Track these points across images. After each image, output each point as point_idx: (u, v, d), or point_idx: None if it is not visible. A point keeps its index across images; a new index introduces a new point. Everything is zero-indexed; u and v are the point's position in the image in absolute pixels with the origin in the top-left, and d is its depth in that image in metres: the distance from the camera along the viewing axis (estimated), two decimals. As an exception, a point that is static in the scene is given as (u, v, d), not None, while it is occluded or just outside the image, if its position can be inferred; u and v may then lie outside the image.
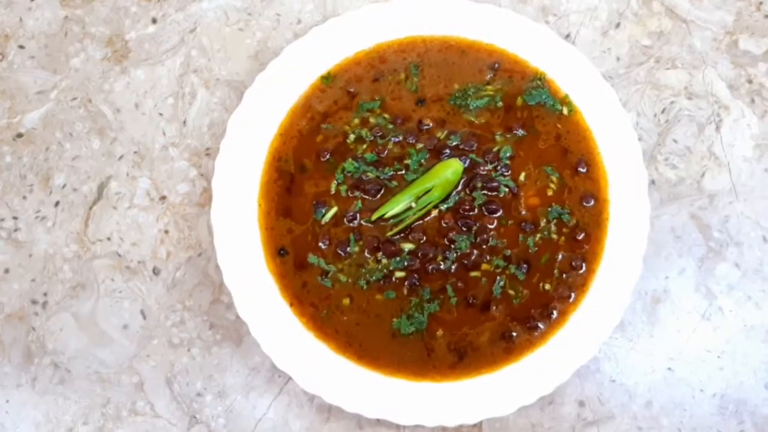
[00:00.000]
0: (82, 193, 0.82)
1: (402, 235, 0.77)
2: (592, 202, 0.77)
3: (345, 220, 0.77)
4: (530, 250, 0.76)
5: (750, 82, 0.83)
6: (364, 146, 0.79)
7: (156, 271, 0.80)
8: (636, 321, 0.79)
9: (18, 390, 0.78)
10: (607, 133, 0.78)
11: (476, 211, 0.77)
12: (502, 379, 0.74)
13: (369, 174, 0.78)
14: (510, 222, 0.77)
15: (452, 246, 0.76)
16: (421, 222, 0.77)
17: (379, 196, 0.77)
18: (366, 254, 0.76)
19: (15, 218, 0.81)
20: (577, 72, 0.79)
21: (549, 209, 0.77)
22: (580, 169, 0.78)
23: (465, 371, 0.74)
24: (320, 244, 0.77)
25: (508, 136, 0.79)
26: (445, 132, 0.78)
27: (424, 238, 0.76)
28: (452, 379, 0.74)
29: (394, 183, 0.77)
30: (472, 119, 0.79)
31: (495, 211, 0.77)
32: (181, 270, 0.80)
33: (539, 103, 0.79)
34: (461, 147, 0.78)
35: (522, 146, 0.78)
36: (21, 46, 0.85)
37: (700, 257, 0.80)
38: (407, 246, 0.76)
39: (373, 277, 0.75)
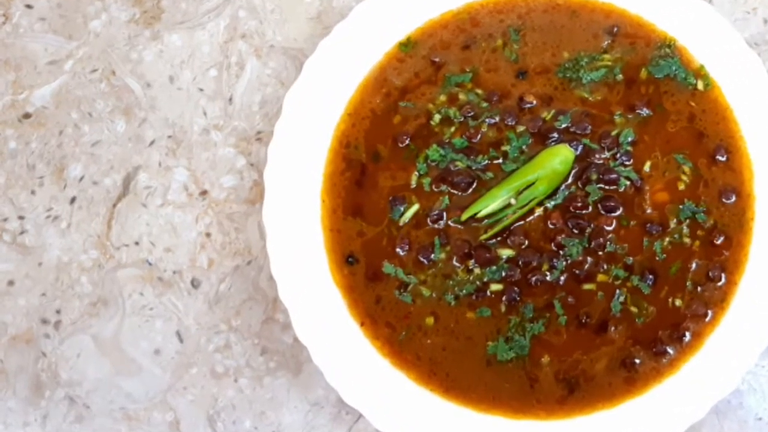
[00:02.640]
0: (104, 187, 0.80)
1: (499, 238, 0.74)
2: (734, 199, 0.74)
3: (428, 220, 0.74)
4: (657, 258, 0.73)
5: None
6: (452, 129, 0.76)
7: (195, 284, 0.78)
8: (788, 345, 0.75)
9: (25, 430, 0.76)
10: (752, 113, 0.75)
11: (590, 209, 0.74)
12: (622, 417, 0.71)
13: (458, 163, 0.75)
14: (632, 223, 0.74)
15: (561, 252, 0.73)
16: (522, 223, 0.74)
17: (470, 190, 0.75)
18: (454, 262, 0.74)
19: (21, 218, 0.79)
20: (715, 38, 0.77)
21: (680, 207, 0.74)
22: (719, 158, 0.75)
23: (577, 406, 0.71)
24: (398, 249, 0.74)
25: (630, 116, 0.76)
26: (552, 111, 0.76)
27: (526, 242, 0.74)
28: (561, 416, 0.71)
29: (489, 174, 0.75)
30: (586, 96, 0.76)
31: (614, 210, 0.74)
32: (226, 282, 0.78)
33: (668, 75, 0.76)
34: (572, 130, 0.75)
35: (647, 129, 0.76)
36: (28, 6, 0.84)
37: None
38: (505, 252, 0.73)
39: (464, 291, 0.73)
